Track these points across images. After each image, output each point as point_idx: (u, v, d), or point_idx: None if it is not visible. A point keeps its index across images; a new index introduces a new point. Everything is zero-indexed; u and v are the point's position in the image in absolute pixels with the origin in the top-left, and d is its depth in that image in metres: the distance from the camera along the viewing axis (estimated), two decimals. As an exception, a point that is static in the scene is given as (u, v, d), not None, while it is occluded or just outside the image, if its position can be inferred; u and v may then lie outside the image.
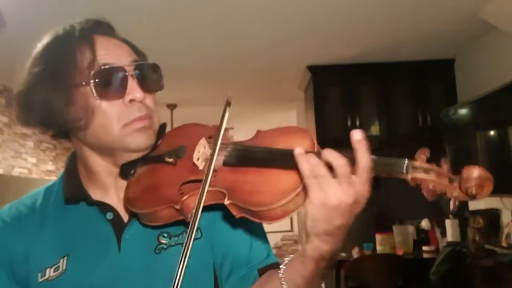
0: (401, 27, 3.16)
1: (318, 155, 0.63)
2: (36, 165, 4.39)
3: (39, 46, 0.81)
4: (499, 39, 3.10)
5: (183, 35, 3.11)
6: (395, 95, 3.85)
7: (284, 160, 0.65)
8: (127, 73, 0.76)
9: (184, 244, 0.65)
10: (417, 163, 0.62)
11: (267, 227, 0.85)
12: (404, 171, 0.61)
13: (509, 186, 2.69)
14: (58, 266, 0.78)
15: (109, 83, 0.75)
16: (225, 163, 0.73)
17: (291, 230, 6.12)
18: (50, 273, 0.77)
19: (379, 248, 3.68)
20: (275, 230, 5.97)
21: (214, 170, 0.71)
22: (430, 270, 3.06)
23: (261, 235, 0.85)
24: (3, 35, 2.77)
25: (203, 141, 0.78)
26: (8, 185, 3.56)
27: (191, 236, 0.65)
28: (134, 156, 0.80)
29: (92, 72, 0.74)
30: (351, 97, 3.85)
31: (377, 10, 2.87)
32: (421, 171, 0.61)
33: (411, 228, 3.75)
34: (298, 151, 0.63)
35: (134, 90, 0.76)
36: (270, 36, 3.25)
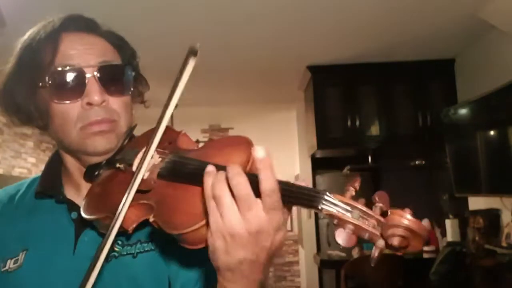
0: (401, 27, 3.16)
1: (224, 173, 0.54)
2: (36, 165, 4.39)
3: (19, 42, 0.80)
4: (499, 39, 3.10)
5: (182, 35, 3.11)
6: (395, 95, 3.84)
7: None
8: (86, 75, 0.73)
9: (94, 257, 0.61)
10: (339, 198, 0.51)
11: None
12: (319, 206, 0.51)
13: (509, 186, 2.69)
14: (17, 259, 0.77)
15: (66, 85, 0.73)
16: (159, 175, 0.66)
17: (291, 230, 6.12)
18: (10, 264, 0.77)
19: (379, 248, 3.67)
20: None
21: (154, 182, 0.66)
22: (430, 270, 3.06)
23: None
24: (3, 35, 2.77)
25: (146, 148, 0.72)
26: (8, 185, 3.56)
27: (101, 250, 0.60)
28: (95, 159, 0.77)
29: (48, 73, 0.73)
30: (351, 97, 3.85)
31: (377, 10, 2.87)
32: (342, 209, 0.50)
33: (411, 228, 3.74)
34: (209, 169, 0.55)
35: (92, 92, 0.73)
36: (270, 36, 3.25)
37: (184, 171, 0.64)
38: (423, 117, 3.77)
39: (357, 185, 0.53)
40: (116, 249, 0.76)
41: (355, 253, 3.62)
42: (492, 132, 3.02)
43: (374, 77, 3.85)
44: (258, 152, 0.53)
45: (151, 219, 0.62)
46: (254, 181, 0.53)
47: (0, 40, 2.90)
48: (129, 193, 0.63)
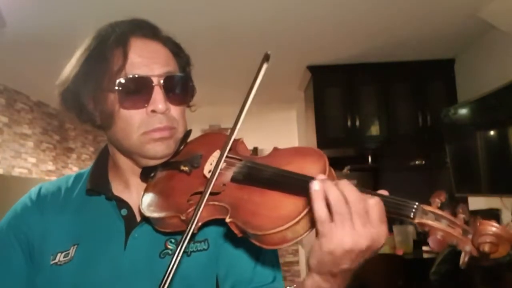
0: (401, 27, 3.16)
1: (334, 184, 0.57)
2: (36, 165, 4.39)
3: (81, 46, 0.82)
4: (499, 39, 3.10)
5: (182, 34, 3.10)
6: (395, 95, 3.84)
7: (289, 184, 0.62)
8: (153, 84, 0.77)
9: (174, 254, 0.64)
10: (428, 208, 0.56)
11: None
12: (412, 215, 0.56)
13: (509, 186, 2.69)
14: (68, 253, 0.80)
15: (134, 92, 0.77)
16: (233, 179, 0.71)
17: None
18: (60, 258, 0.80)
19: (379, 248, 3.68)
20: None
21: (223, 185, 0.70)
22: (430, 270, 3.06)
23: (271, 258, 0.82)
24: (3, 35, 2.77)
25: (216, 154, 0.78)
26: (8, 185, 3.56)
27: (181, 247, 0.63)
28: (152, 162, 0.81)
29: (118, 80, 0.76)
30: (351, 97, 3.85)
31: (377, 10, 2.87)
32: (431, 218, 0.56)
33: (411, 228, 3.74)
34: (315, 186, 0.57)
35: (157, 101, 0.77)
36: (270, 36, 3.25)
37: (262, 176, 0.68)
38: (423, 117, 3.77)
39: (442, 198, 0.58)
40: (169, 246, 0.79)
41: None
42: (492, 132, 3.02)
43: (374, 77, 3.85)
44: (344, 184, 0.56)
45: (227, 220, 0.65)
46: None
47: (0, 40, 2.90)
48: (204, 196, 0.67)
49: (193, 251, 0.79)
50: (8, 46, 3.02)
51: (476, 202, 3.34)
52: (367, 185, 4.02)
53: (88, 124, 0.84)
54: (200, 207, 0.66)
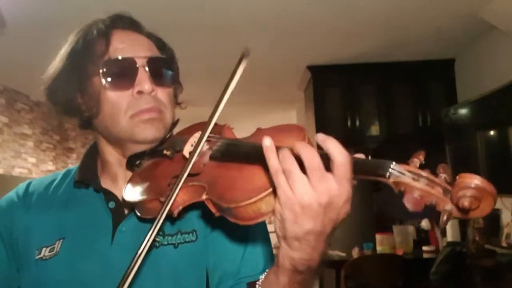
0: (401, 27, 3.16)
1: (291, 149, 0.56)
2: (36, 165, 4.39)
3: (66, 41, 0.83)
4: (499, 39, 3.10)
5: (181, 35, 3.11)
6: (395, 95, 3.85)
7: (264, 155, 0.60)
8: (137, 65, 0.77)
9: (144, 240, 0.63)
10: (406, 167, 0.53)
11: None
12: (387, 174, 0.53)
13: (509, 186, 2.69)
14: (53, 247, 0.79)
15: (118, 74, 0.77)
16: (212, 157, 0.70)
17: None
18: (45, 252, 0.79)
19: (379, 248, 3.67)
20: (275, 230, 5.96)
21: (203, 165, 0.69)
22: (430, 270, 3.06)
23: (261, 248, 0.81)
24: (3, 35, 2.77)
25: (197, 134, 0.76)
26: (8, 185, 3.55)
27: (155, 227, 0.62)
28: (141, 148, 0.80)
29: (102, 63, 0.76)
30: (351, 97, 3.85)
31: (377, 10, 2.87)
32: (409, 177, 0.52)
33: (411, 228, 3.74)
34: (266, 143, 0.56)
35: (142, 81, 0.77)
36: (270, 36, 3.25)
37: (238, 151, 0.67)
38: (423, 117, 3.78)
39: (421, 157, 0.54)
40: (157, 239, 0.77)
41: (355, 253, 3.62)
42: (492, 132, 3.02)
43: (374, 77, 3.85)
44: (320, 136, 0.55)
45: (203, 197, 0.63)
46: (323, 155, 0.54)
47: (0, 40, 2.91)
48: (181, 175, 0.65)
49: (181, 243, 0.77)
50: (8, 46, 3.02)
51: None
52: (367, 185, 4.03)
53: (76, 118, 0.84)
54: (176, 186, 0.65)
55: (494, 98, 2.85)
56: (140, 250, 0.62)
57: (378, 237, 3.70)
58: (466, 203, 0.49)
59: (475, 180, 0.49)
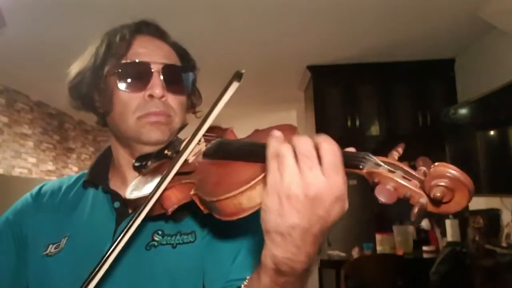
0: (401, 27, 3.16)
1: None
2: (36, 165, 4.39)
3: (91, 43, 0.86)
4: (499, 39, 3.10)
5: (181, 34, 3.11)
6: (395, 95, 3.85)
7: (252, 151, 0.60)
8: (152, 70, 0.81)
9: (121, 231, 0.63)
10: (382, 159, 0.51)
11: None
12: (360, 166, 0.51)
13: (509, 186, 2.69)
14: (59, 244, 0.82)
15: (133, 76, 0.81)
16: (205, 155, 0.72)
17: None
18: (51, 249, 0.82)
19: (379, 248, 3.68)
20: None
21: (198, 163, 0.70)
22: (430, 270, 3.06)
23: (256, 252, 0.75)
24: (3, 35, 2.77)
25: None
26: (8, 185, 3.56)
27: (136, 216, 0.63)
28: (147, 149, 0.82)
29: (119, 64, 0.80)
30: (351, 97, 3.85)
31: (377, 10, 2.87)
32: (384, 169, 0.50)
33: (411, 228, 3.74)
34: (275, 133, 0.54)
35: (155, 86, 0.80)
36: (270, 36, 3.25)
37: (230, 148, 0.68)
38: (423, 117, 3.78)
39: (400, 149, 0.53)
40: (156, 238, 0.78)
41: (355, 253, 3.62)
42: (492, 132, 3.02)
43: (374, 77, 3.85)
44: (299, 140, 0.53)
45: (191, 192, 0.64)
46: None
47: (0, 40, 2.91)
48: (170, 170, 0.66)
49: (179, 243, 0.78)
50: (8, 46, 3.02)
51: (476, 202, 3.34)
52: (367, 185, 4.01)
53: (91, 112, 0.87)
54: (165, 178, 0.65)
55: (494, 98, 2.85)
56: (118, 237, 0.63)
57: (378, 237, 3.70)
58: (438, 193, 0.46)
59: (450, 169, 0.47)
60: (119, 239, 0.63)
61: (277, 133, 0.54)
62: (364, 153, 0.52)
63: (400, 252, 3.54)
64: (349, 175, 0.52)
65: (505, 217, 3.01)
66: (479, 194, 3.19)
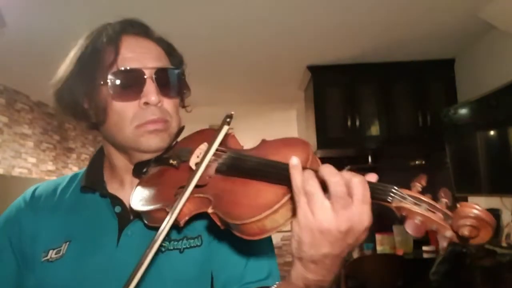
0: (401, 27, 3.16)
1: (315, 171, 0.55)
2: (36, 165, 4.39)
3: (75, 46, 0.83)
4: (499, 39, 3.10)
5: (181, 35, 3.10)
6: (395, 95, 3.84)
7: (271, 173, 0.61)
8: (145, 77, 0.78)
9: (149, 244, 0.64)
10: (407, 192, 0.53)
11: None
12: (389, 199, 0.53)
13: (509, 186, 2.69)
14: (60, 250, 0.80)
15: (126, 84, 0.78)
16: (218, 171, 0.71)
17: (291, 230, 6.10)
18: (51, 254, 0.80)
19: (379, 248, 3.68)
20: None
21: (209, 177, 0.70)
22: (430, 270, 3.06)
23: (265, 254, 0.81)
24: (3, 35, 2.77)
25: (203, 146, 0.77)
26: (8, 185, 3.56)
27: (159, 237, 0.63)
28: (146, 156, 0.81)
29: (110, 73, 0.77)
30: (351, 97, 3.85)
31: (377, 10, 2.87)
32: (410, 202, 0.53)
33: (411, 228, 3.74)
34: (293, 161, 0.56)
35: (150, 93, 0.77)
36: (270, 36, 3.25)
37: (245, 166, 0.67)
38: (423, 117, 3.77)
39: (423, 181, 0.55)
40: (163, 244, 0.78)
41: (355, 253, 3.62)
42: (492, 132, 3.02)
43: (374, 77, 3.85)
44: (326, 166, 0.55)
45: (209, 211, 0.64)
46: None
47: (0, 40, 2.90)
48: (187, 188, 0.66)
49: (186, 248, 0.78)
50: (8, 46, 3.02)
51: (476, 202, 3.34)
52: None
53: (83, 122, 0.84)
54: (182, 198, 0.66)
55: (494, 98, 2.85)
56: (145, 259, 0.63)
57: (378, 237, 3.70)
58: (466, 232, 0.49)
59: (475, 210, 0.50)
60: (142, 262, 0.63)
61: (295, 161, 0.56)
62: (390, 186, 0.55)
63: (400, 252, 3.54)
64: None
65: (505, 217, 3.01)
66: (479, 194, 3.19)
